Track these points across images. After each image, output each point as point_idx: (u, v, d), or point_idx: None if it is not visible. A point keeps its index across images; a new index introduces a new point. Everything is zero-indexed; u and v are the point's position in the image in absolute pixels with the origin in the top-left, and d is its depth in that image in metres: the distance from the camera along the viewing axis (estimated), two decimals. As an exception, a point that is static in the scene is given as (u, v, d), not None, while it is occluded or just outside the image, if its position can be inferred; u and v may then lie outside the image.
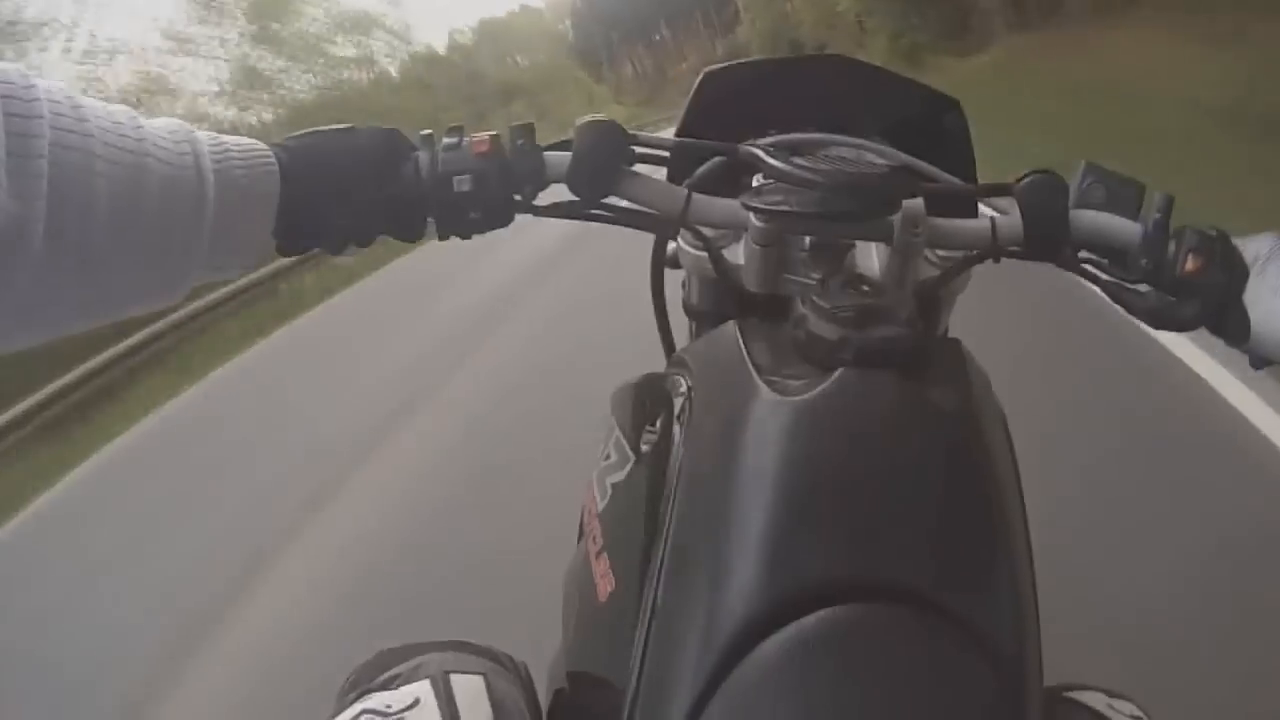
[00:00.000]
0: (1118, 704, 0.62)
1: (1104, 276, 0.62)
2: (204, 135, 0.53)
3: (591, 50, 66.53)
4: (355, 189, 0.58)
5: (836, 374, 0.51)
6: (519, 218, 0.63)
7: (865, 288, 0.58)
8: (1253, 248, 0.58)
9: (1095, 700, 0.62)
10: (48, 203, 0.43)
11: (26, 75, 0.44)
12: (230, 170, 0.52)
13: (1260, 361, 0.60)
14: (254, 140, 0.56)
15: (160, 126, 0.50)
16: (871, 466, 0.49)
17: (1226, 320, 0.58)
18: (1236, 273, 0.58)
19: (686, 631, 0.48)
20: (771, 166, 0.58)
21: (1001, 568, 0.49)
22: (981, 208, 0.71)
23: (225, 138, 0.54)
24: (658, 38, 68.41)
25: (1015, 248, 0.63)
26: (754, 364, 0.54)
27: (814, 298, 0.56)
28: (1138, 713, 0.61)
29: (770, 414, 0.51)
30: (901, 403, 0.51)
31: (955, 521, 0.49)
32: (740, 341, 0.57)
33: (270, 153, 0.55)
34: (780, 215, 0.59)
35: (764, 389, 0.52)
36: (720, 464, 0.51)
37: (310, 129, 0.59)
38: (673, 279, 0.82)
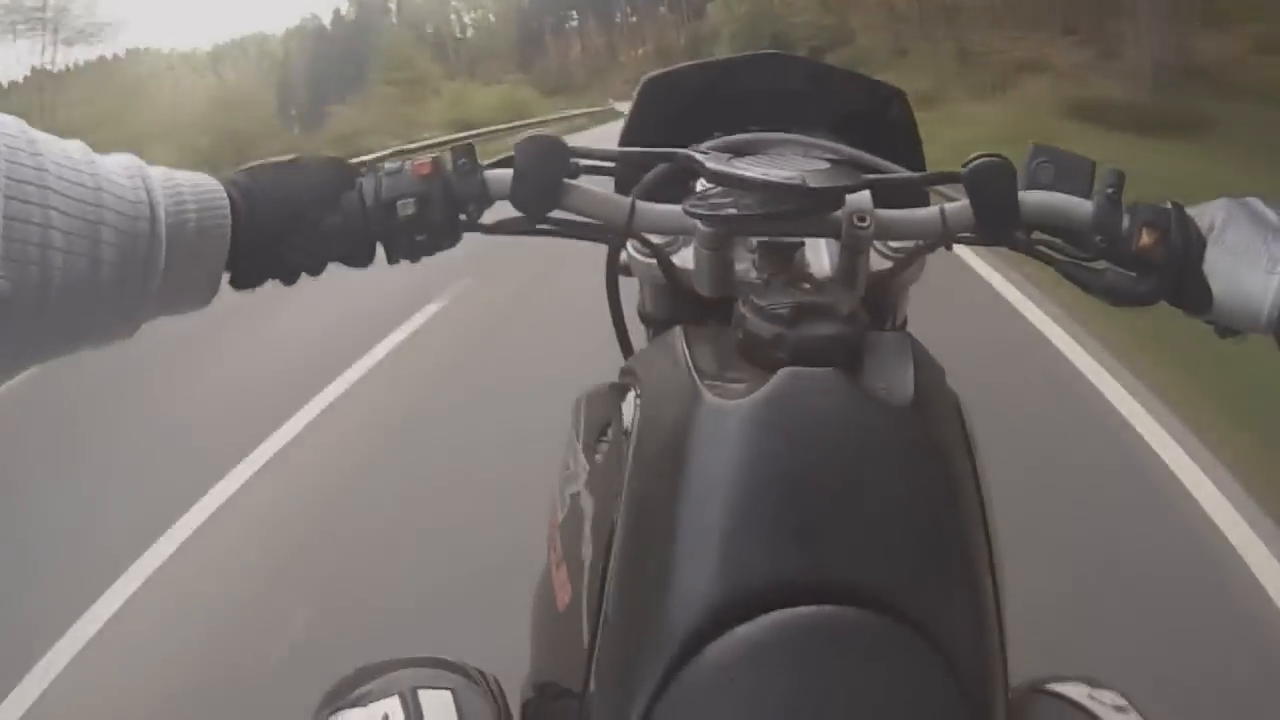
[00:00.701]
0: (1100, 694, 0.62)
1: (1059, 257, 0.62)
2: (157, 172, 0.53)
3: (538, 19, 64.37)
4: (305, 220, 0.59)
5: (777, 375, 0.51)
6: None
7: (806, 285, 0.58)
8: (1207, 216, 0.59)
9: (1077, 692, 0.62)
10: (3, 237, 0.43)
11: None
12: (183, 208, 0.53)
13: (1225, 331, 0.60)
14: (205, 176, 0.56)
15: (113, 163, 0.51)
16: (813, 467, 0.49)
17: (1186, 292, 0.59)
18: (1193, 243, 0.58)
19: (634, 637, 0.48)
20: (712, 171, 0.60)
21: (955, 564, 0.49)
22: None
23: (177, 174, 0.54)
24: (618, 18, 67.03)
25: (966, 233, 0.63)
26: (697, 369, 0.54)
27: (753, 298, 0.56)
28: (1120, 702, 0.61)
29: (711, 419, 0.51)
30: (843, 400, 0.51)
31: (903, 518, 0.49)
32: (684, 347, 0.57)
33: (222, 189, 0.56)
34: (723, 219, 0.61)
35: (705, 394, 0.52)
36: (664, 471, 0.51)
37: (258, 162, 0.60)
38: (629, 286, 0.82)
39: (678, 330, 0.59)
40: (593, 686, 0.50)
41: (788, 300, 0.54)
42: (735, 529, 0.47)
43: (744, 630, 0.44)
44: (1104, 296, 0.61)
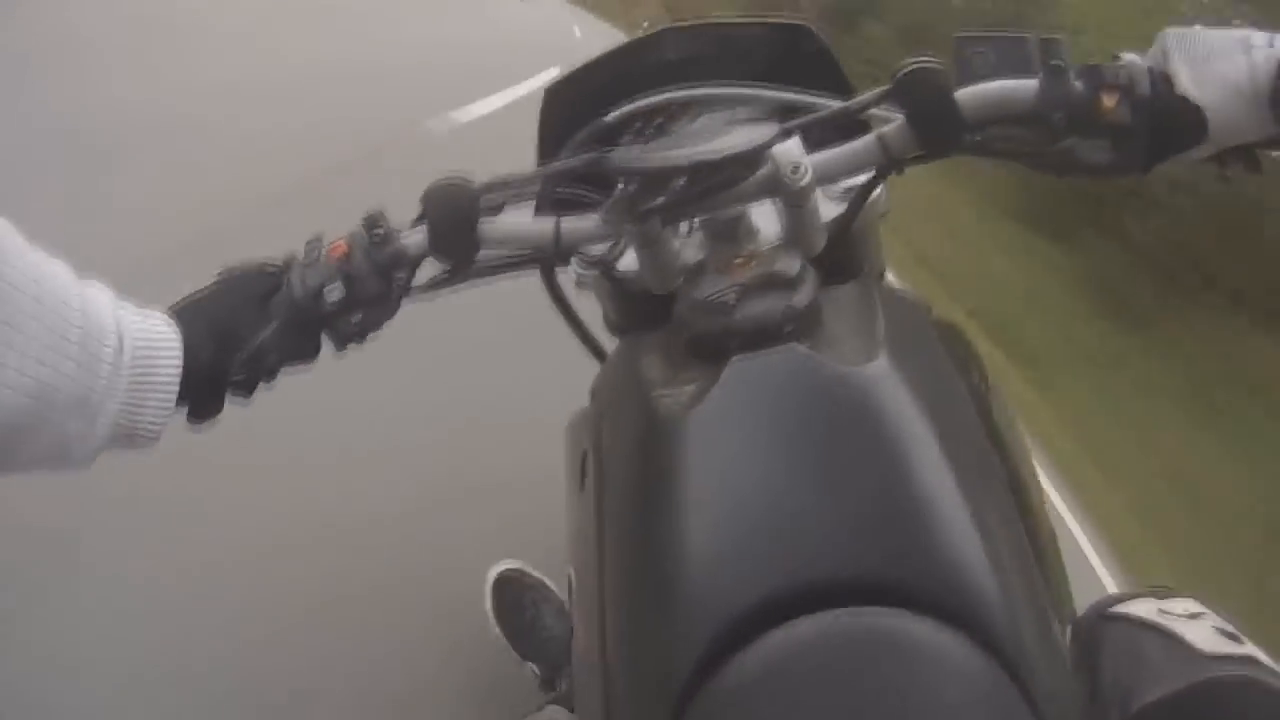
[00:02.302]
0: (1170, 604, 0.59)
1: (1023, 150, 0.56)
2: (127, 308, 0.54)
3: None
4: (244, 338, 0.59)
5: (726, 368, 0.47)
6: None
7: (739, 259, 0.54)
8: (1157, 51, 0.54)
9: (1145, 609, 0.59)
10: None
11: None
12: (143, 345, 0.53)
13: (1230, 155, 0.54)
14: (160, 315, 0.56)
15: (93, 291, 0.51)
16: (780, 458, 0.45)
17: (1174, 132, 0.53)
18: (1159, 84, 0.53)
19: (634, 687, 0.45)
20: (618, 169, 0.55)
21: (962, 523, 0.44)
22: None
23: (144, 312, 0.55)
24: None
25: (915, 153, 0.58)
26: (647, 380, 0.51)
27: (689, 291, 0.52)
28: (1195, 608, 0.58)
29: (666, 433, 0.47)
30: (801, 376, 0.46)
31: (893, 492, 0.43)
32: (631, 360, 0.54)
33: (175, 332, 0.56)
34: (644, 214, 0.56)
35: (657, 408, 0.49)
36: (633, 501, 0.48)
37: (185, 298, 0.59)
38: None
39: (624, 343, 0.56)
40: None
41: (724, 283, 0.50)
42: (712, 550, 0.43)
43: (739, 664, 0.41)
44: (1084, 175, 0.55)
